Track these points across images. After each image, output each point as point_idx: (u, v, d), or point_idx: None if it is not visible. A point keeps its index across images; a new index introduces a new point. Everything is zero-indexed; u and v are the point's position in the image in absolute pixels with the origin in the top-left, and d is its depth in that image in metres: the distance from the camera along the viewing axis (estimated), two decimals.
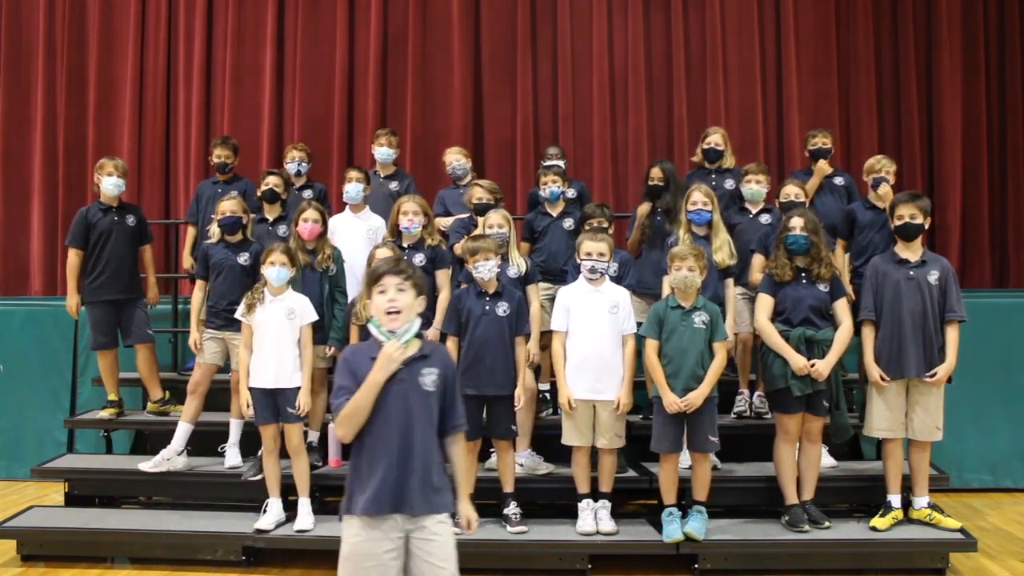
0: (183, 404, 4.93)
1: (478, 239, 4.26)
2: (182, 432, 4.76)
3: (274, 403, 4.29)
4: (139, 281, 5.36)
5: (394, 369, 2.52)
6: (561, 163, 5.53)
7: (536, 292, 4.69)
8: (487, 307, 4.16)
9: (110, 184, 5.20)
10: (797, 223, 4.28)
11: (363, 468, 2.58)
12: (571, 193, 5.55)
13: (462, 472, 2.74)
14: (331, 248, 4.81)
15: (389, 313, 2.55)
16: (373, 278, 2.63)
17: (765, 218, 5.06)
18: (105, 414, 5.34)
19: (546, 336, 4.59)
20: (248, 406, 4.30)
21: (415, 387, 2.57)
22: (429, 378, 2.59)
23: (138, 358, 5.29)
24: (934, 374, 4.16)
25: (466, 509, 2.75)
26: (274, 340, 4.28)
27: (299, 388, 4.29)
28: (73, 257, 5.24)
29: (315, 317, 4.41)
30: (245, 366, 4.33)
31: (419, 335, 2.64)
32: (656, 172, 5.10)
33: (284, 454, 4.39)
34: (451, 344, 4.22)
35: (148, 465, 4.70)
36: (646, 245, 5.09)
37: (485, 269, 4.13)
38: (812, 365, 4.12)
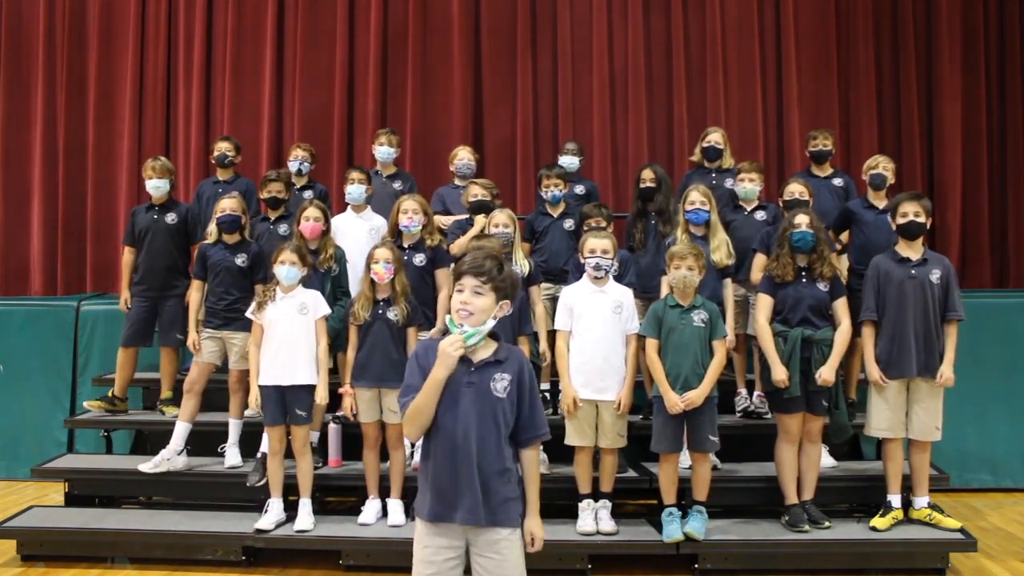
0: (177, 407, 5.01)
1: (483, 238, 4.26)
2: (181, 432, 4.76)
3: (282, 403, 4.29)
4: (180, 281, 5.33)
5: (452, 365, 2.41)
6: (577, 160, 5.70)
7: (539, 293, 4.69)
8: None
9: (150, 186, 5.31)
10: (803, 220, 4.29)
11: (428, 471, 2.52)
12: (580, 190, 5.56)
13: (534, 485, 2.59)
14: (333, 248, 4.82)
15: (460, 313, 2.45)
16: (455, 275, 2.54)
17: (760, 215, 5.10)
18: (87, 404, 5.34)
19: (549, 336, 4.58)
20: (257, 402, 4.29)
21: (485, 393, 2.47)
22: (501, 384, 2.48)
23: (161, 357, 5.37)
24: (940, 374, 4.17)
25: (532, 525, 2.59)
26: (287, 337, 4.28)
27: (309, 386, 4.30)
28: (126, 254, 5.44)
29: (328, 311, 4.42)
30: (256, 364, 4.33)
31: (495, 337, 2.54)
32: (648, 174, 5.11)
33: (286, 453, 4.39)
34: None
35: (148, 466, 4.70)
36: (639, 249, 5.08)
37: None
38: (819, 374, 4.15)
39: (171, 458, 4.73)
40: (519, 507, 2.55)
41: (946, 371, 4.18)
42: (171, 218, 5.32)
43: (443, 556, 2.48)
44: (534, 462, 2.60)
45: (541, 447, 4.45)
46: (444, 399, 2.46)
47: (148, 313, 5.30)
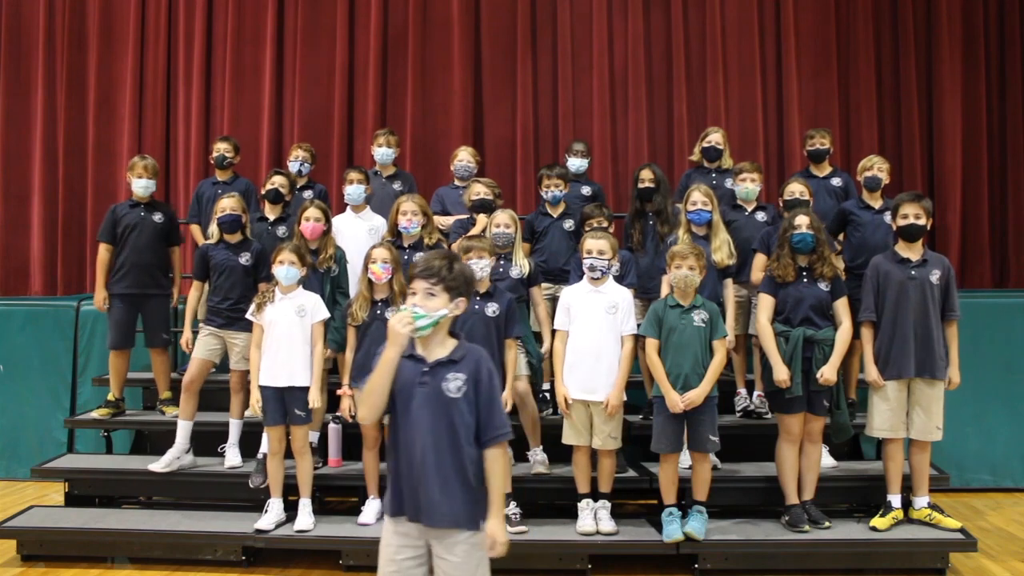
0: (177, 406, 5.08)
1: (471, 238, 4.27)
2: (183, 430, 4.77)
3: (282, 404, 4.28)
4: (163, 280, 5.32)
5: (403, 343, 2.40)
6: (585, 161, 5.65)
7: (541, 293, 4.70)
8: (476, 306, 4.16)
9: (139, 186, 5.25)
10: (803, 221, 4.29)
11: (391, 469, 2.54)
12: (586, 191, 5.56)
13: (496, 487, 2.50)
14: (334, 248, 4.81)
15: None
16: (408, 279, 2.54)
17: (760, 215, 5.10)
18: (96, 414, 5.34)
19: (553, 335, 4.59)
20: (259, 404, 4.29)
21: (437, 393, 2.45)
22: (454, 384, 2.45)
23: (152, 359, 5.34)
24: (949, 380, 4.20)
25: (492, 527, 2.47)
26: (285, 338, 4.28)
27: (307, 387, 4.28)
28: (102, 252, 5.30)
29: (326, 315, 4.41)
30: (256, 365, 4.32)
31: (455, 336, 2.54)
32: (646, 174, 5.11)
33: (286, 454, 4.39)
34: None
35: (158, 466, 4.69)
36: (638, 250, 5.08)
37: (477, 269, 4.13)
38: (820, 374, 4.15)
39: (180, 456, 4.74)
40: (480, 509, 2.50)
41: (953, 374, 4.21)
42: (158, 217, 5.29)
43: (404, 555, 2.49)
44: (496, 463, 2.51)
45: (531, 448, 4.52)
46: (398, 400, 2.47)
47: (130, 314, 5.27)
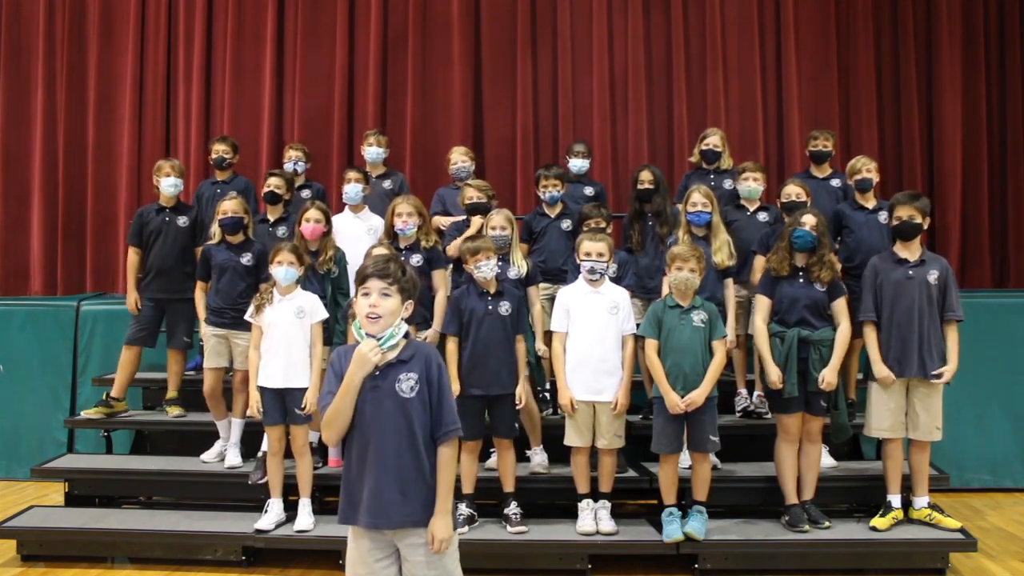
0: (180, 407, 5.22)
1: (477, 239, 4.27)
2: (221, 430, 4.88)
3: (282, 403, 4.29)
4: (190, 283, 5.29)
5: (369, 370, 2.43)
6: (587, 162, 5.69)
7: (538, 293, 4.70)
8: (490, 307, 4.16)
9: (167, 184, 5.28)
10: (809, 220, 4.28)
11: (348, 476, 2.53)
12: (589, 191, 5.57)
13: (444, 483, 2.50)
14: (334, 249, 4.82)
15: (369, 317, 2.45)
16: (359, 279, 2.53)
17: (762, 216, 5.10)
18: (92, 412, 5.33)
19: (547, 336, 4.59)
20: (258, 405, 4.29)
21: (391, 394, 2.46)
22: (407, 384, 2.47)
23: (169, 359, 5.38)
24: (940, 375, 4.17)
25: (434, 524, 2.47)
26: (283, 339, 4.28)
27: (307, 388, 4.27)
28: (131, 255, 5.37)
29: (325, 315, 4.41)
30: (255, 366, 4.33)
31: (404, 336, 2.54)
32: (646, 175, 5.11)
33: (286, 454, 4.39)
34: (452, 345, 4.19)
35: (231, 463, 4.78)
36: (638, 251, 5.07)
37: (487, 268, 4.14)
38: (821, 377, 4.14)
39: (225, 449, 4.85)
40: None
41: (946, 372, 4.18)
42: (182, 221, 5.34)
43: (373, 557, 2.50)
44: (446, 460, 2.51)
45: (531, 448, 4.52)
46: (356, 405, 2.46)
47: (156, 315, 5.31)
